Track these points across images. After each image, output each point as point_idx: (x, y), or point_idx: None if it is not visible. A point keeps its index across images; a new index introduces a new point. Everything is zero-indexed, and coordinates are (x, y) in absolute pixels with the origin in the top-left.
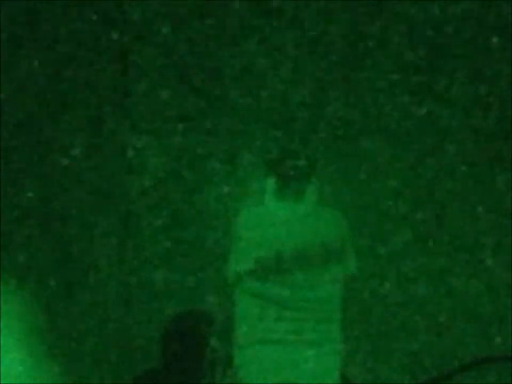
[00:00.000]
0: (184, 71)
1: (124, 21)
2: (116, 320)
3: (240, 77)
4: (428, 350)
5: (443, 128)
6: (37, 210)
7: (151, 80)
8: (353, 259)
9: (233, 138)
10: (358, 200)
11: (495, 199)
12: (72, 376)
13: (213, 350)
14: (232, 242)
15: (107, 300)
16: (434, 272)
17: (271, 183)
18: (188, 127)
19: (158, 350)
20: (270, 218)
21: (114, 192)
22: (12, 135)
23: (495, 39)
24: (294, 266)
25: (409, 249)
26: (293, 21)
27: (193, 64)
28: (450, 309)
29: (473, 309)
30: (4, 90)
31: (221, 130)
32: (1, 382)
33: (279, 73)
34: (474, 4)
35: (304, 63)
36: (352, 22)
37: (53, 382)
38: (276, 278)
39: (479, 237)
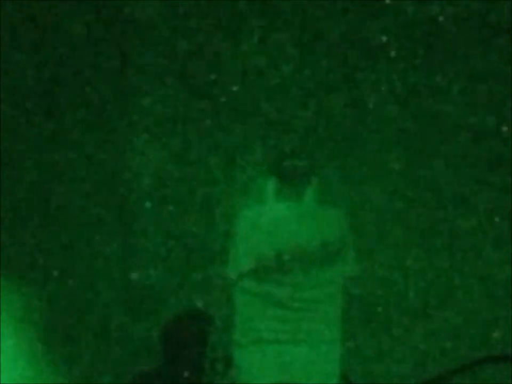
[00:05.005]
0: (184, 71)
1: (123, 21)
2: (116, 320)
3: (240, 77)
4: (428, 350)
5: (443, 128)
6: (37, 210)
7: (151, 80)
8: (353, 259)
9: (233, 138)
10: (358, 200)
11: (495, 199)
12: (72, 376)
13: (213, 349)
14: (232, 241)
15: (107, 300)
16: (434, 272)
17: (271, 183)
18: (188, 127)
19: (158, 349)
20: (270, 218)
21: (114, 192)
22: (12, 135)
23: (495, 39)
24: (294, 266)
25: (409, 249)
26: (293, 21)
27: (193, 64)
28: (450, 308)
29: (473, 308)
30: (4, 90)
31: (221, 130)
32: (2, 383)
33: (279, 73)
34: (474, 4)
35: (304, 63)
36: (352, 22)
37: (53, 382)
38: (276, 278)
39: (478, 236)
